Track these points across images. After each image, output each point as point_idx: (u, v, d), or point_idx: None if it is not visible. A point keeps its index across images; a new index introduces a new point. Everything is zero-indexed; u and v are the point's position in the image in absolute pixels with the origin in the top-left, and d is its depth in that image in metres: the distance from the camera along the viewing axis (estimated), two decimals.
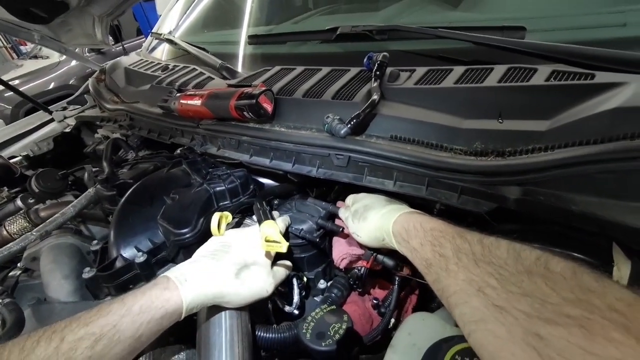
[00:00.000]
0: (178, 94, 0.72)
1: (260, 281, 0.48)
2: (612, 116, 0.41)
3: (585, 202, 0.41)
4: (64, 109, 1.33)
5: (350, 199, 0.59)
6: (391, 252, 0.58)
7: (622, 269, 0.47)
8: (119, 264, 0.56)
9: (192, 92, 0.69)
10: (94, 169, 0.89)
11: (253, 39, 0.93)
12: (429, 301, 0.61)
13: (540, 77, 0.50)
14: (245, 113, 0.60)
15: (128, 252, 0.58)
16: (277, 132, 0.61)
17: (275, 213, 0.62)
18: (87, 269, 0.53)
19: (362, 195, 0.56)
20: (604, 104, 0.43)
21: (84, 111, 1.28)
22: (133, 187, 0.67)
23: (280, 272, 0.53)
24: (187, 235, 0.55)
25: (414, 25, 0.67)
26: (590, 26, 0.63)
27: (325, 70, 0.68)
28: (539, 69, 0.51)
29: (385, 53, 0.59)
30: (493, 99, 0.51)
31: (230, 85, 0.69)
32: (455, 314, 0.32)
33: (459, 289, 0.32)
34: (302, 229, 0.61)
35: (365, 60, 0.61)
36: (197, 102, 0.66)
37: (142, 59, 1.20)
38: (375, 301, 0.63)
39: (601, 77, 0.47)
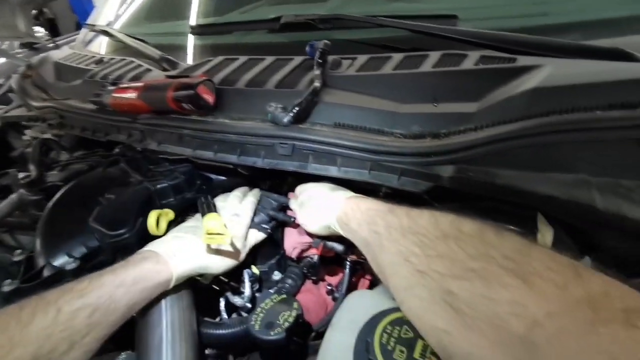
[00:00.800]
0: (112, 88, 0.67)
1: (237, 253, 0.52)
2: (530, 96, 0.44)
3: (508, 176, 0.44)
4: None
5: (298, 189, 0.59)
6: (341, 238, 0.59)
7: (546, 235, 0.51)
8: (47, 272, 0.51)
9: (126, 85, 0.65)
10: (21, 174, 0.81)
11: (196, 29, 0.89)
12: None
13: (470, 62, 0.52)
14: (184, 105, 0.57)
15: (58, 260, 0.53)
16: (220, 124, 0.59)
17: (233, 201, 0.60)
18: (8, 281, 0.48)
19: (308, 185, 0.57)
20: (523, 85, 0.46)
21: (8, 111, 1.15)
22: (63, 189, 0.61)
23: (251, 240, 0.57)
24: (125, 236, 0.52)
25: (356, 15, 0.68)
26: (516, 15, 0.67)
27: (269, 59, 0.67)
28: (469, 54, 0.54)
29: (326, 41, 0.59)
30: (428, 83, 0.53)
31: (168, 77, 0.65)
32: (390, 287, 0.33)
33: (389, 261, 0.34)
34: (254, 222, 0.60)
35: (307, 48, 0.61)
36: (131, 95, 0.62)
37: (74, 53, 1.11)
38: (329, 287, 0.63)
39: (522, 60, 0.50)
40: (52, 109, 0.84)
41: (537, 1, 0.71)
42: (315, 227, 0.52)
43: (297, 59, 0.65)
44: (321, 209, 0.50)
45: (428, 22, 0.63)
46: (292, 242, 0.60)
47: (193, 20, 1.04)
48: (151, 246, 0.48)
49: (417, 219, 0.35)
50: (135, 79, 0.73)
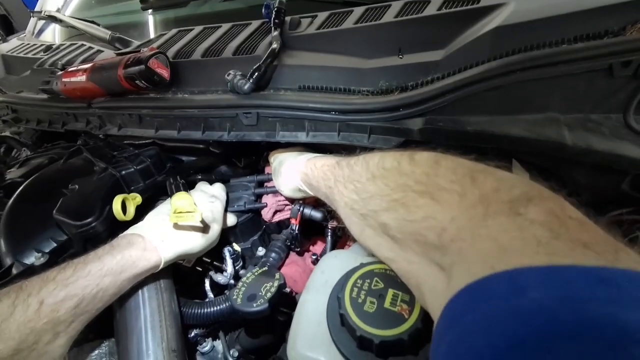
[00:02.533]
0: (60, 72, 0.63)
1: (216, 234, 0.53)
2: (493, 36, 0.42)
3: (478, 122, 0.43)
4: None
5: (271, 156, 0.59)
6: (319, 205, 0.58)
7: None
8: (16, 270, 0.49)
9: (75, 68, 0.60)
10: None
11: (146, 4, 0.83)
12: None
13: (433, 8, 0.50)
14: (137, 82, 0.54)
15: (27, 257, 0.51)
16: (179, 100, 0.56)
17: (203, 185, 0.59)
18: None
19: (278, 151, 0.56)
20: (487, 25, 0.44)
21: None
22: (24, 185, 0.58)
23: (228, 223, 0.57)
24: (93, 225, 0.50)
25: None
26: None
27: (225, 26, 0.62)
28: (432, 0, 0.51)
29: (281, 0, 0.55)
30: (392, 35, 0.50)
31: (118, 54, 0.61)
32: (352, 235, 0.36)
33: (343, 213, 0.37)
34: (243, 204, 0.60)
35: (263, 10, 0.57)
36: (81, 78, 0.58)
37: (23, 43, 1.03)
38: (314, 257, 0.63)
39: (485, 0, 0.48)
40: (4, 104, 0.79)
41: None
42: (287, 191, 0.52)
43: (255, 23, 0.61)
44: (289, 172, 0.50)
45: None
46: (268, 206, 0.60)
47: None
48: (137, 230, 0.47)
49: (354, 167, 0.38)
50: (86, 61, 0.69)
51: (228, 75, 0.51)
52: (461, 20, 0.47)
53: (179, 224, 0.45)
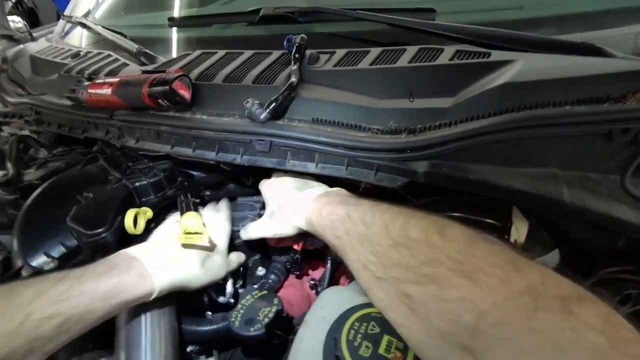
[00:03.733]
0: (87, 83, 0.66)
1: (219, 269, 0.52)
2: (500, 91, 0.45)
3: (481, 171, 0.45)
4: None
5: (264, 185, 0.59)
6: None
7: (520, 228, 0.53)
8: (25, 273, 0.51)
9: (102, 80, 0.63)
10: None
11: (173, 21, 0.87)
12: None
13: (446, 57, 0.52)
14: (160, 101, 0.56)
15: (36, 260, 0.53)
16: (197, 121, 0.58)
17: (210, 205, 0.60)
18: None
19: (274, 182, 0.57)
20: (496, 80, 0.47)
21: None
22: (40, 188, 0.60)
23: (233, 261, 0.57)
24: (103, 235, 0.52)
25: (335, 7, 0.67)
26: (492, 8, 0.68)
27: (247, 53, 0.66)
28: (445, 49, 0.54)
29: (303, 35, 0.59)
30: (404, 78, 0.53)
31: (144, 72, 0.64)
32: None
33: (352, 267, 0.38)
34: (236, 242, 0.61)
35: (285, 43, 0.60)
36: (106, 90, 0.61)
37: (52, 46, 1.07)
38: (312, 282, 0.64)
39: (496, 55, 0.51)
40: (28, 105, 0.82)
41: None
42: (289, 231, 0.51)
43: (276, 54, 0.64)
44: (291, 215, 0.50)
45: (407, 15, 0.63)
46: None
47: (172, 13, 1.02)
48: (139, 251, 0.46)
49: (371, 227, 0.37)
50: (112, 73, 0.72)
51: (246, 103, 0.54)
52: (471, 72, 0.50)
53: (187, 244, 0.47)
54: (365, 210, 0.40)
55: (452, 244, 0.31)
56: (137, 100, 0.58)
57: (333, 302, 0.38)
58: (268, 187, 0.57)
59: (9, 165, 0.74)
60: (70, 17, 1.15)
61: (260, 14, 0.73)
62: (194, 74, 0.62)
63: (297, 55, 0.56)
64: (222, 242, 0.54)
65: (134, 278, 0.42)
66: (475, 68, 0.50)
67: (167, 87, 0.54)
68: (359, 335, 0.30)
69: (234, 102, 0.58)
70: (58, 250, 0.54)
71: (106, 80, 0.63)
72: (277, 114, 0.53)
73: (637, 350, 0.20)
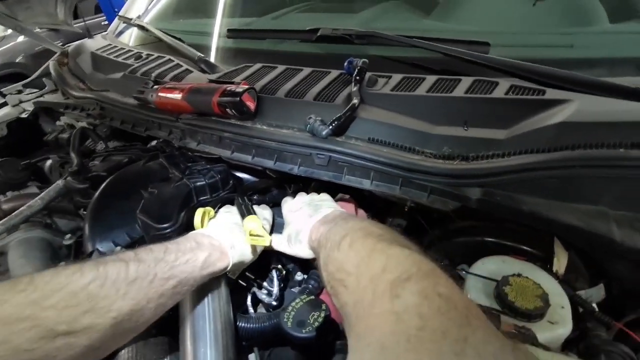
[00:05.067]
0: (156, 86, 0.71)
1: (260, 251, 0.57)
2: (558, 129, 0.48)
3: (533, 203, 0.47)
4: (19, 92, 1.23)
5: (286, 207, 0.62)
6: None
7: (561, 259, 0.55)
8: (95, 257, 0.55)
9: (172, 85, 0.69)
10: (58, 159, 0.85)
11: (232, 33, 0.93)
12: None
13: (501, 91, 0.56)
14: (227, 110, 0.61)
15: (105, 246, 0.57)
16: (260, 130, 0.63)
17: (256, 208, 0.64)
18: (62, 263, 0.52)
19: (289, 216, 0.60)
20: (551, 117, 0.50)
21: (42, 96, 1.20)
22: (108, 180, 0.65)
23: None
24: (168, 230, 0.56)
25: (389, 31, 0.71)
26: (544, 45, 0.70)
27: (306, 70, 0.70)
28: (500, 82, 0.57)
29: (365, 60, 0.63)
30: (460, 108, 0.56)
31: (211, 81, 0.69)
32: None
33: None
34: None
35: (345, 64, 0.64)
36: (177, 95, 0.66)
37: (110, 44, 1.15)
38: None
39: (551, 93, 0.53)
40: (92, 100, 0.88)
41: (563, 32, 0.74)
42: (307, 254, 0.55)
43: (334, 73, 0.68)
44: (304, 242, 0.54)
45: (461, 46, 0.66)
46: None
47: (225, 22, 1.08)
48: (212, 233, 0.52)
49: (343, 265, 0.41)
50: (176, 79, 0.77)
51: (310, 119, 0.58)
52: (527, 107, 0.53)
53: (252, 244, 0.51)
54: (337, 231, 0.46)
55: (339, 254, 0.38)
56: (206, 107, 0.63)
57: None
58: (288, 212, 0.61)
59: (72, 155, 0.79)
60: (129, 19, 1.23)
61: (319, 34, 0.77)
62: (257, 86, 0.67)
63: (358, 78, 0.60)
64: (268, 231, 0.58)
65: (218, 253, 0.49)
66: (530, 104, 0.52)
67: (237, 99, 0.59)
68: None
69: (294, 116, 0.62)
70: (123, 239, 0.59)
71: (177, 85, 0.68)
72: (338, 131, 0.57)
73: (440, 324, 0.25)
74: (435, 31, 0.77)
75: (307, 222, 0.55)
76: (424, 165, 0.53)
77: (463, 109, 0.56)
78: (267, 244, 0.50)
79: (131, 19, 1.21)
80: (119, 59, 0.97)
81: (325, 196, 0.61)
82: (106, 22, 3.66)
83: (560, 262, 0.55)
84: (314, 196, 0.61)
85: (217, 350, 0.44)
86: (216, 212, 0.61)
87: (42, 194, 0.67)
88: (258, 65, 0.74)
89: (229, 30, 0.94)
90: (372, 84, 0.63)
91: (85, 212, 0.69)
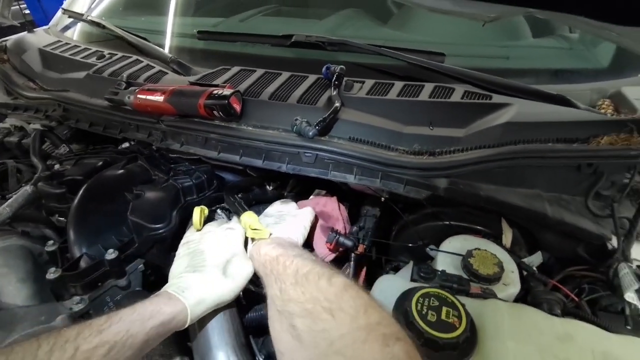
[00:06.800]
0: (132, 88, 0.70)
1: (244, 267, 0.54)
2: (503, 128, 0.59)
3: (488, 189, 0.58)
4: None
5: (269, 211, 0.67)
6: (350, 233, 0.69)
7: (507, 235, 0.67)
8: (84, 263, 0.54)
9: (152, 87, 0.69)
10: (15, 164, 0.79)
11: (203, 35, 0.93)
12: (375, 274, 0.75)
13: (457, 95, 0.66)
14: (215, 112, 0.63)
15: (92, 250, 0.56)
16: (247, 132, 0.66)
17: None
18: (53, 269, 0.50)
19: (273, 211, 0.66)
20: (498, 118, 0.61)
21: None
22: (88, 184, 0.64)
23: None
24: (162, 230, 0.57)
25: (355, 39, 0.78)
26: (487, 56, 0.83)
27: (285, 75, 0.75)
28: (456, 88, 0.68)
29: (342, 66, 0.69)
30: (425, 110, 0.65)
31: (193, 84, 0.71)
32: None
33: (268, 301, 0.47)
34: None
35: (324, 70, 0.70)
36: (158, 97, 0.66)
37: (59, 41, 1.07)
38: None
39: (496, 98, 0.65)
40: (52, 101, 0.83)
41: (502, 45, 0.89)
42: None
43: (312, 77, 0.74)
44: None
45: (421, 56, 0.76)
46: (322, 252, 0.68)
47: (186, 20, 1.08)
48: (164, 287, 0.49)
49: (287, 269, 0.46)
50: (152, 80, 0.77)
51: (296, 120, 0.62)
52: (478, 109, 0.63)
53: (254, 238, 0.54)
54: (289, 255, 0.49)
55: (331, 288, 0.41)
56: (191, 109, 0.65)
57: (390, 286, 0.48)
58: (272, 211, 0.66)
59: (35, 160, 0.75)
60: (80, 14, 1.15)
61: (293, 40, 0.82)
62: (240, 89, 0.70)
63: (337, 82, 0.67)
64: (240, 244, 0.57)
65: (164, 300, 0.45)
66: (481, 107, 0.63)
67: (225, 102, 0.61)
68: (424, 307, 0.40)
69: (278, 118, 0.67)
70: (112, 242, 0.58)
71: (157, 87, 0.68)
72: (323, 131, 0.63)
73: None
74: (396, 40, 0.86)
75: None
76: (399, 160, 0.61)
77: (428, 111, 0.65)
78: (266, 236, 0.54)
79: (82, 15, 1.14)
80: (77, 58, 0.92)
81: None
82: (27, 11, 3.26)
83: (507, 237, 0.67)
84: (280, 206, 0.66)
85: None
86: (211, 211, 0.63)
87: (9, 201, 0.63)
88: (237, 69, 0.77)
89: (199, 32, 0.94)
90: (349, 88, 0.69)
91: (61, 219, 0.66)
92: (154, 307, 0.43)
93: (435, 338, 0.38)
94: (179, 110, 0.67)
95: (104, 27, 1.05)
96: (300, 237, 0.61)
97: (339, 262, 0.75)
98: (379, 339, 0.34)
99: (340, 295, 0.39)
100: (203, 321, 0.51)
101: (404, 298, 0.43)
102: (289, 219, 0.64)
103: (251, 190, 0.80)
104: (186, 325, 0.46)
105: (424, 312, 0.39)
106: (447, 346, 0.38)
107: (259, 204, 0.78)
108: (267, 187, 0.83)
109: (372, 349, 0.33)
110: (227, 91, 0.63)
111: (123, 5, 1.33)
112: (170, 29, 1.06)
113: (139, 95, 0.68)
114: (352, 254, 0.68)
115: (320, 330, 0.37)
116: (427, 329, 0.38)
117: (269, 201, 0.79)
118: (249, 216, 0.57)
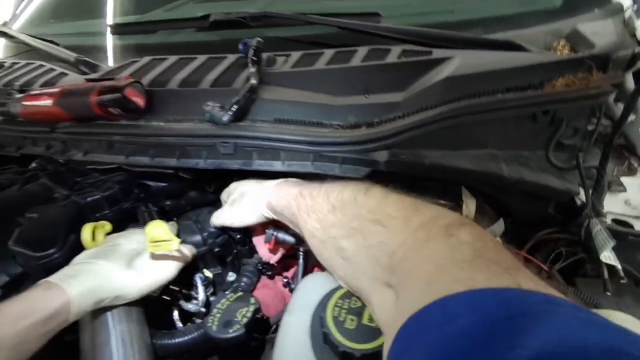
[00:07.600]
0: (19, 95, 0.60)
1: (157, 265, 0.48)
2: (444, 84, 0.50)
3: (433, 155, 0.50)
4: None
5: (225, 193, 0.61)
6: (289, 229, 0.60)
7: (469, 205, 0.59)
8: None
9: (39, 91, 0.58)
10: None
11: (117, 28, 0.83)
12: None
13: (393, 56, 0.57)
14: (111, 109, 0.54)
15: None
16: (154, 127, 0.56)
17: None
18: None
19: (234, 184, 0.59)
20: (438, 74, 0.52)
21: None
22: None
23: (185, 252, 0.53)
24: (55, 256, 0.48)
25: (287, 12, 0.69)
26: (428, 12, 0.75)
27: (201, 58, 0.65)
28: (392, 49, 0.59)
29: (259, 39, 0.60)
30: (358, 77, 0.56)
31: (88, 80, 0.61)
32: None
33: (306, 239, 0.43)
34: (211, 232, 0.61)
35: (240, 46, 0.61)
36: (46, 102, 0.56)
37: None
38: (285, 280, 0.65)
39: (436, 53, 0.57)
40: None
41: (445, 0, 0.80)
42: (252, 219, 0.54)
43: (231, 57, 0.64)
44: (253, 202, 0.53)
45: (354, 19, 0.67)
46: (264, 252, 0.61)
47: (111, 19, 0.97)
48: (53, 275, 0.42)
49: (316, 198, 0.43)
50: (49, 84, 0.66)
51: (207, 107, 0.53)
52: (417, 68, 0.55)
53: (156, 253, 0.45)
54: (314, 185, 0.46)
55: (371, 200, 0.38)
56: (85, 110, 0.55)
57: (314, 287, 0.39)
58: (234, 185, 0.59)
59: None
60: None
61: (211, 19, 0.73)
62: (146, 80, 0.60)
63: (254, 58, 0.57)
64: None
65: (38, 292, 0.38)
66: (420, 65, 0.55)
67: (119, 95, 0.52)
68: (343, 311, 0.32)
69: (192, 107, 0.57)
70: (1, 280, 0.48)
71: (44, 91, 0.58)
72: (240, 115, 0.53)
73: (493, 255, 0.26)
74: (330, 9, 0.77)
75: (255, 184, 0.53)
76: (332, 136, 0.52)
77: (361, 77, 0.56)
78: (173, 247, 0.45)
79: None
80: None
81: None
82: None
83: (469, 207, 0.59)
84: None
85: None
86: (118, 227, 0.54)
87: None
88: (146, 59, 0.67)
89: (113, 25, 0.83)
90: (271, 63, 0.60)
91: None
92: (24, 305, 0.37)
93: (350, 351, 0.29)
94: (73, 113, 0.57)
95: (10, 36, 0.94)
96: (262, 212, 0.53)
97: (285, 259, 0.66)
98: (441, 231, 0.30)
99: (384, 203, 0.36)
100: (98, 334, 0.42)
101: (323, 303, 0.35)
102: (247, 197, 0.56)
103: (184, 195, 0.71)
104: (72, 319, 0.39)
105: (341, 318, 0.31)
106: (366, 359, 0.30)
107: (195, 208, 0.70)
108: (208, 189, 0.74)
109: (437, 244, 0.29)
110: (121, 83, 0.53)
111: (51, 13, 1.22)
112: (86, 30, 0.96)
113: (24, 103, 0.58)
114: (300, 251, 0.60)
115: (376, 244, 0.33)
116: (341, 339, 0.30)
117: (209, 204, 0.70)
118: (154, 226, 0.48)
